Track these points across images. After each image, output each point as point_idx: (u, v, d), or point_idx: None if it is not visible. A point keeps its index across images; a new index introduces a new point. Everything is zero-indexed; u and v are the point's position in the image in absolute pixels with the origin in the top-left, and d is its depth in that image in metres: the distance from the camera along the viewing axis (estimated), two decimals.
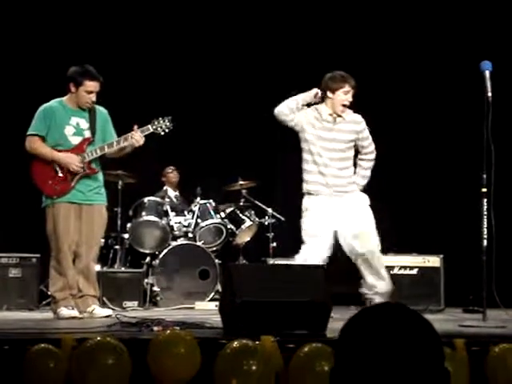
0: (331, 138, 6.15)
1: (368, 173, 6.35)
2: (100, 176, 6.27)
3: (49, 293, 6.35)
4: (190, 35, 8.87)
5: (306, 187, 6.22)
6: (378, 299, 5.98)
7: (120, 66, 8.41)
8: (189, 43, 8.87)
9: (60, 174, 6.05)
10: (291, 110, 6.16)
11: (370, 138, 6.32)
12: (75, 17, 8.48)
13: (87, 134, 6.13)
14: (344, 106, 6.14)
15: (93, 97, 6.07)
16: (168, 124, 6.26)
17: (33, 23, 8.42)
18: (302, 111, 6.20)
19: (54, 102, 6.16)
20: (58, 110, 6.11)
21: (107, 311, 6.16)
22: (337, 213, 6.13)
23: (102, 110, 6.26)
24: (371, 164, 6.36)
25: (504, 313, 5.78)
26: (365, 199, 6.26)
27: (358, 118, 6.29)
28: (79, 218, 6.07)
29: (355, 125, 6.24)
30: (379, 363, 1.54)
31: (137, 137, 6.09)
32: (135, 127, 6.13)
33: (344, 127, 6.20)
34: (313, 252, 6.04)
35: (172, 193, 8.68)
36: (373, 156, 6.35)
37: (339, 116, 6.18)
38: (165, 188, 8.70)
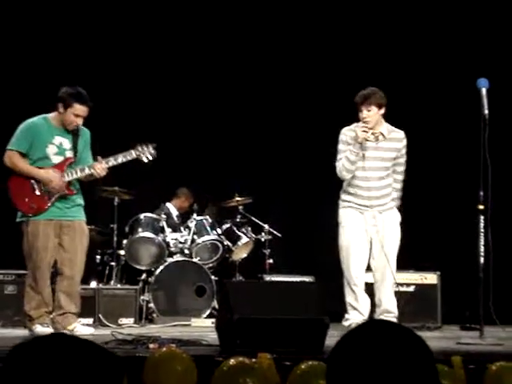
0: (373, 156, 6.10)
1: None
2: (79, 198, 6.08)
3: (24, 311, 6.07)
4: (179, 54, 8.85)
5: (342, 199, 6.21)
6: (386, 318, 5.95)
7: (110, 88, 8.37)
8: (177, 61, 8.84)
9: (37, 192, 5.91)
10: (353, 166, 6.06)
11: (405, 157, 6.24)
12: (64, 36, 8.42)
13: (69, 154, 5.98)
14: (366, 122, 6.02)
15: (79, 120, 5.92)
16: (152, 151, 6.11)
17: (19, 39, 8.37)
18: (349, 132, 6.11)
19: (38, 119, 6.00)
20: (43, 127, 5.96)
21: (89, 329, 6.05)
22: (372, 227, 6.14)
23: (85, 131, 6.10)
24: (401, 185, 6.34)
25: (501, 330, 5.77)
26: (398, 218, 6.30)
27: (400, 134, 6.22)
28: (59, 235, 5.94)
29: (397, 142, 6.18)
30: (373, 381, 1.53)
31: (98, 169, 5.94)
32: (99, 158, 5.99)
33: (386, 145, 6.14)
34: (358, 263, 6.09)
35: (174, 211, 8.60)
36: (402, 177, 6.32)
37: (381, 134, 6.10)
38: (167, 205, 8.60)
